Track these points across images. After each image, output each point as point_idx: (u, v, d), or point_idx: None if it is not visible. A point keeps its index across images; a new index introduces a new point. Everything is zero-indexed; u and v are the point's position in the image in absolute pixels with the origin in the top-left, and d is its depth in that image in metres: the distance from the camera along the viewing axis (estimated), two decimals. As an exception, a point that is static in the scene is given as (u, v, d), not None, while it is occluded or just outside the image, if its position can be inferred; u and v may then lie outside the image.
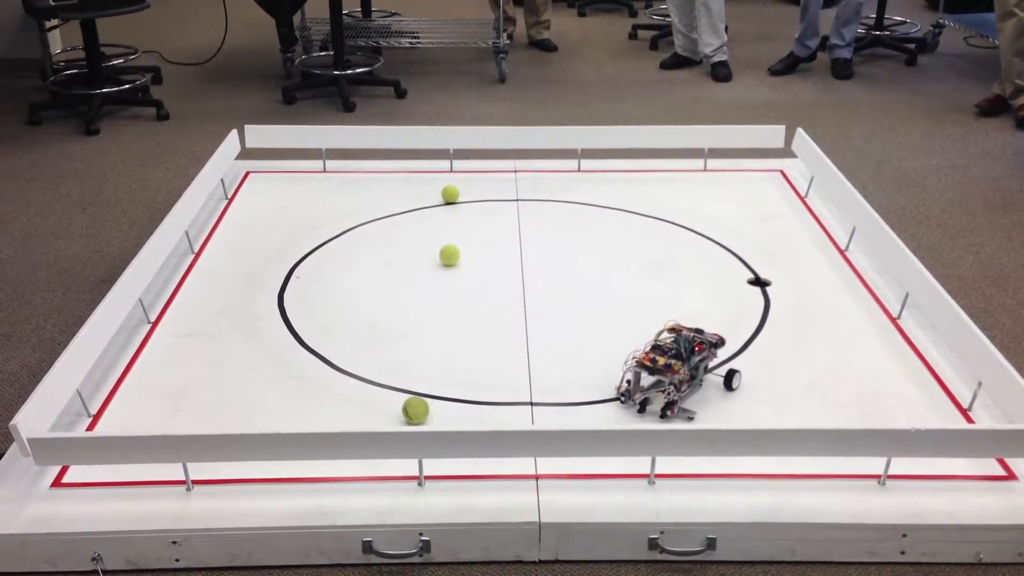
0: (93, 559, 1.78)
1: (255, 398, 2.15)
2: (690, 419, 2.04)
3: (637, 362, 2.09)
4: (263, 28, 5.56)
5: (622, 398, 2.11)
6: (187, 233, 2.79)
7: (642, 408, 2.09)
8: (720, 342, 2.17)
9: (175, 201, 2.79)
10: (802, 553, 1.82)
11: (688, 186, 3.29)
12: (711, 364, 2.17)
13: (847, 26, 5.00)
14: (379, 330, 2.42)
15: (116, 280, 2.35)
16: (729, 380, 2.16)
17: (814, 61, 5.18)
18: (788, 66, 5.11)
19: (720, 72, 5.04)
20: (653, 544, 1.80)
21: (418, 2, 6.47)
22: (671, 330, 2.17)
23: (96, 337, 2.16)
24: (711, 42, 5.06)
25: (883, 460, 1.88)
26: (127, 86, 4.55)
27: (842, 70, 5.02)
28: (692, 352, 2.09)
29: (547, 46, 5.65)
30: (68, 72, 4.72)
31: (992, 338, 2.14)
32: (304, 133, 3.45)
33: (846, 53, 5.06)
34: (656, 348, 2.12)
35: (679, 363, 2.07)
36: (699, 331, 2.17)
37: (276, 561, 1.81)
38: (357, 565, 1.81)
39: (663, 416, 2.04)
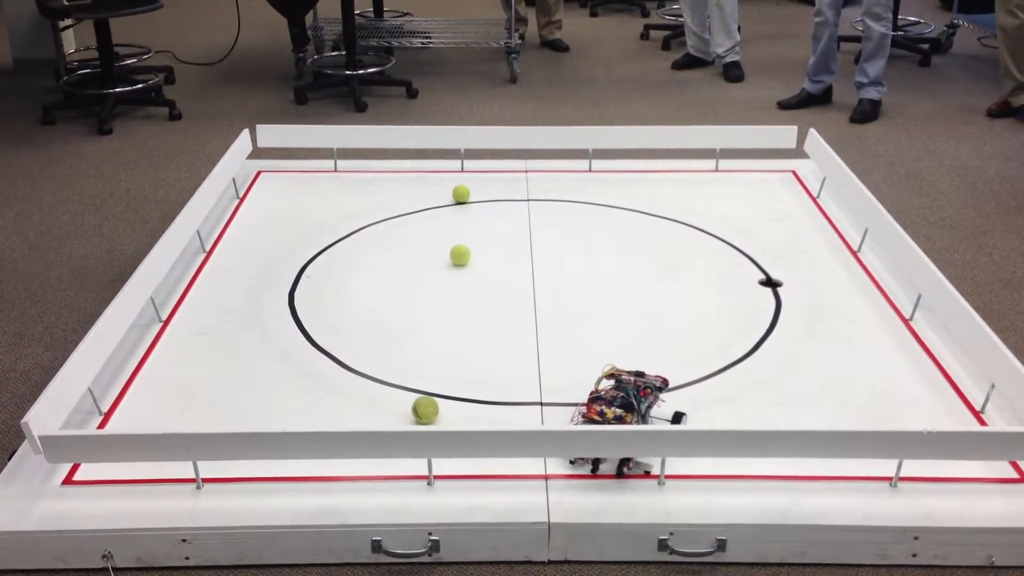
0: (103, 557, 1.78)
1: (265, 397, 2.16)
2: (647, 472, 1.89)
3: (584, 417, 1.95)
4: (275, 28, 5.58)
5: (571, 459, 1.91)
6: (199, 232, 2.80)
7: (595, 467, 1.89)
8: (664, 384, 2.06)
9: (187, 200, 2.80)
10: (813, 555, 1.82)
11: (700, 187, 3.28)
12: (655, 408, 2.01)
13: (870, 61, 4.34)
14: (389, 329, 2.42)
15: (128, 279, 2.35)
16: (677, 423, 2.00)
17: (830, 103, 4.59)
18: (800, 102, 4.57)
19: (732, 72, 5.03)
20: (663, 545, 1.80)
21: (430, 2, 6.48)
22: (609, 376, 2.04)
23: (108, 335, 2.17)
24: (723, 42, 5.05)
25: (895, 462, 1.87)
26: (140, 86, 4.57)
27: (861, 114, 4.37)
28: (640, 399, 1.97)
29: (559, 46, 5.65)
30: (81, 72, 4.74)
31: (1005, 340, 2.12)
32: (315, 133, 3.46)
33: (872, 93, 4.39)
34: (599, 399, 1.97)
35: (630, 414, 1.93)
36: (640, 374, 2.05)
37: (286, 560, 1.81)
38: (366, 564, 1.81)
39: (620, 474, 1.88)
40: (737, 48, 5.06)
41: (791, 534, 1.80)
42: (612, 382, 2.04)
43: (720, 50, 5.07)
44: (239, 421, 2.06)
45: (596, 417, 1.94)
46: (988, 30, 5.42)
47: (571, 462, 1.92)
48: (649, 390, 2.01)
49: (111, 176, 3.73)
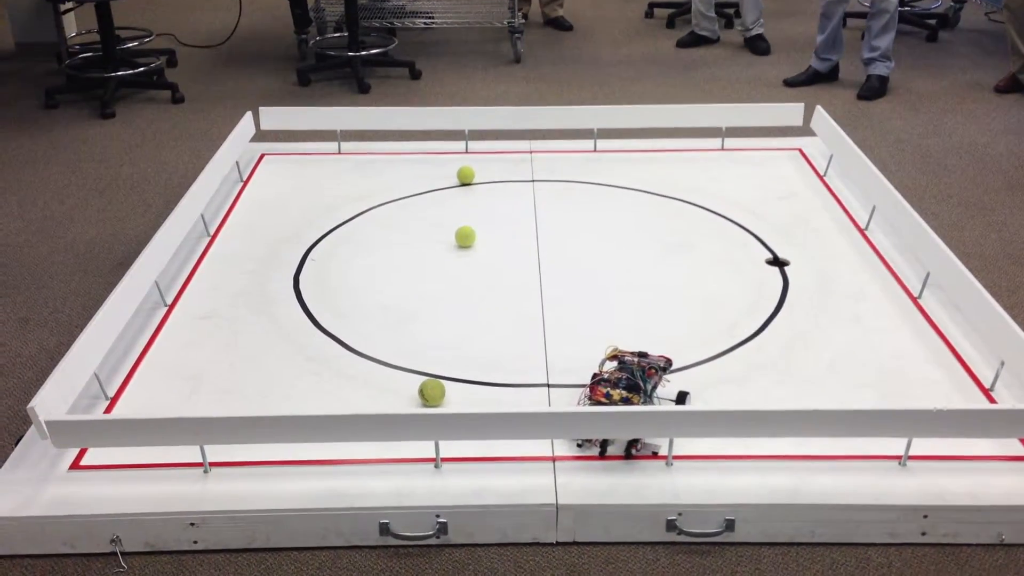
0: (112, 541, 1.79)
1: (271, 380, 2.15)
2: (655, 453, 1.88)
3: (591, 400, 1.93)
4: (277, 10, 5.55)
5: (578, 442, 1.91)
6: (203, 216, 2.79)
7: (603, 449, 1.88)
8: (668, 364, 2.04)
9: (190, 184, 2.79)
10: (822, 534, 1.81)
11: (706, 165, 3.26)
12: (660, 388, 1.99)
13: (880, 36, 4.28)
14: (395, 312, 2.41)
15: (133, 263, 2.35)
16: (681, 403, 1.99)
17: (836, 80, 4.56)
18: (807, 80, 4.52)
19: (759, 46, 5.01)
20: (671, 525, 1.79)
21: (432, -18, 6.44)
22: (612, 357, 2.03)
23: (113, 320, 2.16)
24: (751, 13, 5.03)
25: (904, 441, 1.86)
26: (142, 69, 4.54)
27: (869, 90, 4.32)
28: (646, 380, 1.95)
29: (562, 25, 5.62)
30: (83, 55, 4.72)
31: (1014, 317, 2.12)
32: (319, 115, 3.44)
33: (881, 68, 4.34)
34: (604, 381, 1.96)
35: (636, 396, 1.92)
36: (643, 354, 2.03)
37: (293, 543, 1.81)
38: (374, 547, 1.81)
39: (628, 456, 1.87)
40: (762, 20, 5.03)
41: (800, 513, 1.80)
42: (615, 363, 2.03)
43: (748, 20, 5.04)
44: (245, 405, 2.06)
45: (602, 399, 1.93)
46: (995, 5, 5.39)
47: (578, 445, 1.91)
48: (655, 370, 2.00)
49: (114, 160, 3.72)
